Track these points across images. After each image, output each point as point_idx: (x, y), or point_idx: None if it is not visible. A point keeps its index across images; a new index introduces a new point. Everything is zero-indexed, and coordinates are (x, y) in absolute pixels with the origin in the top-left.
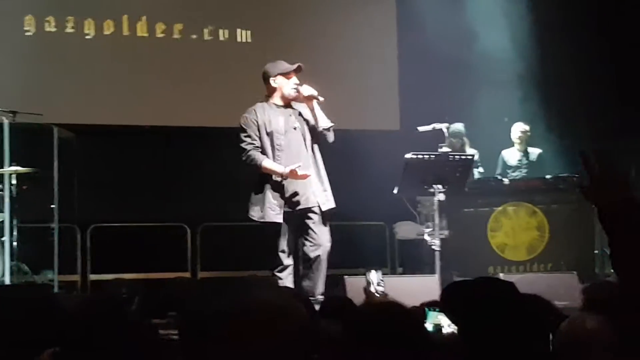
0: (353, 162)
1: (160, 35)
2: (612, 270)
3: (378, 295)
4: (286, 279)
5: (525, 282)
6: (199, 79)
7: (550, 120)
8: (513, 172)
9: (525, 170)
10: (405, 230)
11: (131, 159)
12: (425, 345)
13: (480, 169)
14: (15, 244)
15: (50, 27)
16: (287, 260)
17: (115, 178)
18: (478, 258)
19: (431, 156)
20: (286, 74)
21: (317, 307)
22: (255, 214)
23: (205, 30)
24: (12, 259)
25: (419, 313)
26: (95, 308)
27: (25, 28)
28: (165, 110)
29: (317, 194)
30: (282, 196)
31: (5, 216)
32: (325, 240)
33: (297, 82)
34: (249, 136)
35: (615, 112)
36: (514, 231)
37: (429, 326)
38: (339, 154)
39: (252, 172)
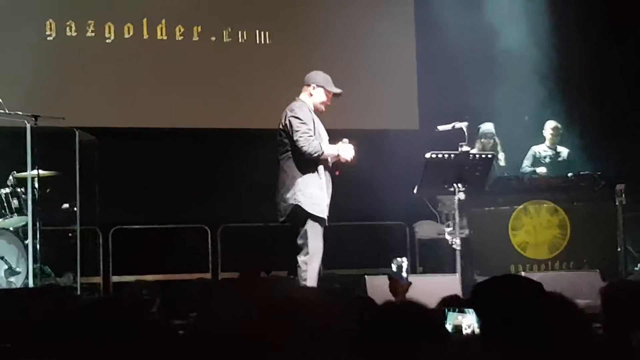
0: (373, 162)
1: (179, 38)
2: (635, 268)
3: (405, 282)
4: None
5: (548, 280)
6: (217, 81)
7: (570, 119)
8: (543, 167)
9: (553, 168)
10: (425, 229)
11: (152, 161)
12: (445, 345)
13: (502, 162)
14: (38, 247)
15: (71, 31)
16: None
17: (136, 180)
18: (499, 257)
19: (451, 155)
20: (328, 92)
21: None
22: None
23: (225, 32)
24: (35, 262)
25: (438, 313)
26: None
27: (47, 33)
28: (185, 113)
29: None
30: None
31: (29, 219)
32: None
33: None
34: (310, 128)
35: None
36: (535, 230)
37: (448, 327)
38: (359, 155)
39: (289, 173)
